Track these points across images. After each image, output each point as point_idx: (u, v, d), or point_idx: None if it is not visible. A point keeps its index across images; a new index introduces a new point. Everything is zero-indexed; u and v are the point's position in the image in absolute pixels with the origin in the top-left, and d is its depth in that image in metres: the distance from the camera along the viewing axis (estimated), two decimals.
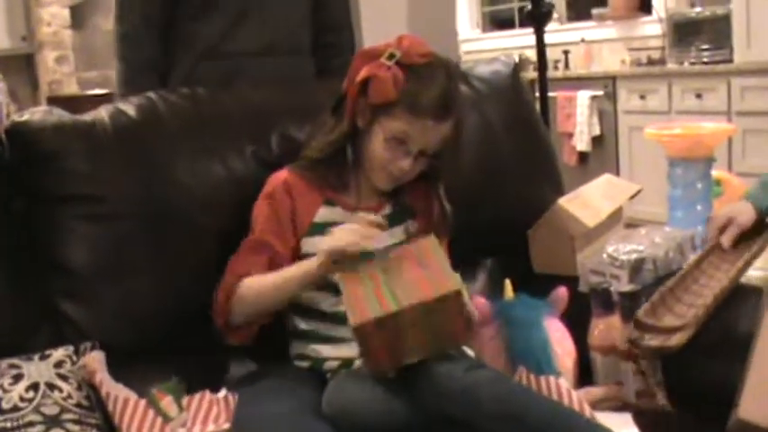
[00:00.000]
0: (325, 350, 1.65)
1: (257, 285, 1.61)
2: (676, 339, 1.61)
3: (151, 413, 1.42)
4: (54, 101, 5.71)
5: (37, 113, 1.69)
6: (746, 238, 1.93)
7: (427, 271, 1.43)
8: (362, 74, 1.63)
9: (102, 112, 1.75)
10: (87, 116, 1.73)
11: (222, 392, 1.58)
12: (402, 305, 1.37)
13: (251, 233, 1.67)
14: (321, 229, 1.65)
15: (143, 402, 1.44)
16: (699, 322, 1.64)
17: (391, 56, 1.62)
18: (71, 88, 7.03)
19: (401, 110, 1.60)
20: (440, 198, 1.75)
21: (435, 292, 1.38)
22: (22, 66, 7.20)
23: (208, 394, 1.53)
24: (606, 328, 1.74)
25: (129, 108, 1.77)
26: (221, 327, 1.64)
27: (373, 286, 1.42)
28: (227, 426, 1.38)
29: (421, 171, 1.69)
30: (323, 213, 1.69)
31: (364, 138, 1.67)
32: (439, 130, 1.63)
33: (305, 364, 1.67)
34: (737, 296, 1.77)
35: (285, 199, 1.67)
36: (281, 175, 1.70)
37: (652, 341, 1.62)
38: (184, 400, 1.48)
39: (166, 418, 1.44)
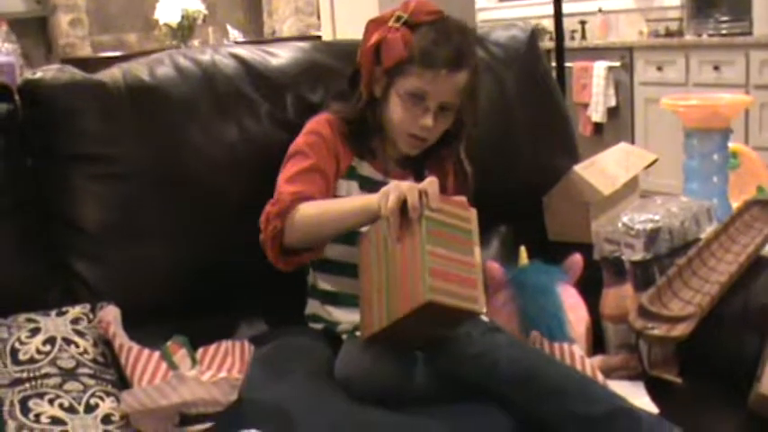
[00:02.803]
0: (336, 313, 1.66)
1: (314, 210, 1.54)
2: (680, 330, 1.60)
3: (164, 366, 1.42)
4: (67, 63, 5.70)
5: (50, 71, 1.68)
6: (760, 218, 1.92)
7: (411, 272, 1.34)
8: (372, 40, 1.65)
9: (116, 72, 1.74)
10: (100, 75, 1.72)
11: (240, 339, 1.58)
12: (391, 320, 1.36)
13: (300, 162, 1.62)
14: (357, 176, 1.68)
15: (156, 355, 1.44)
16: (704, 312, 1.63)
17: (398, 18, 1.64)
18: (84, 51, 7.01)
19: (414, 66, 1.61)
20: (460, 161, 1.75)
21: (411, 304, 1.33)
22: (36, 28, 7.17)
23: (224, 343, 1.53)
24: (618, 297, 1.74)
25: (142, 68, 1.76)
26: (271, 249, 1.56)
27: (378, 290, 1.40)
28: (239, 376, 1.38)
29: (446, 131, 1.69)
30: (359, 164, 1.70)
31: (383, 105, 1.67)
32: (454, 81, 1.62)
33: (318, 326, 1.67)
34: (755, 268, 1.76)
35: (330, 135, 1.67)
36: (323, 116, 1.70)
37: (656, 330, 1.61)
38: (199, 352, 1.48)
39: None
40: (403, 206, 1.36)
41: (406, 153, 1.70)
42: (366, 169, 1.69)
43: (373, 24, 1.68)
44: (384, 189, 1.41)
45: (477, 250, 1.39)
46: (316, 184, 1.59)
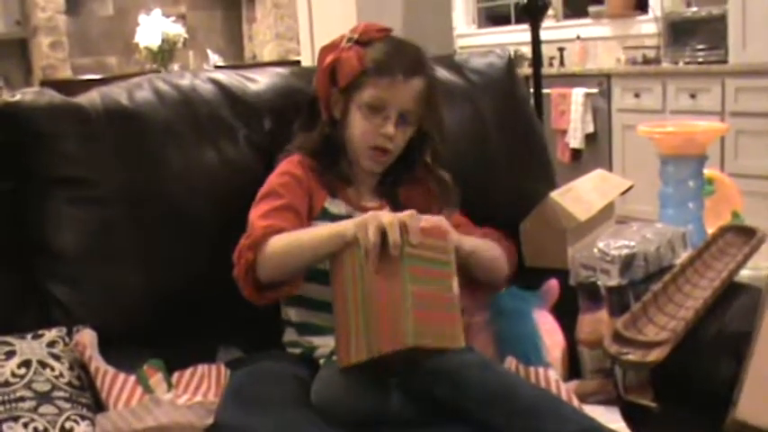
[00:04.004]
0: (316, 340, 1.65)
1: (286, 240, 1.52)
2: (655, 355, 1.60)
3: (139, 390, 1.42)
4: (47, 85, 5.69)
5: (28, 94, 1.68)
6: (734, 244, 1.93)
7: (393, 311, 1.33)
8: (326, 62, 1.68)
9: (94, 95, 1.74)
10: (79, 98, 1.72)
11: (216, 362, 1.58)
12: (371, 355, 1.36)
13: (273, 201, 1.60)
14: (330, 215, 1.66)
15: (132, 379, 1.44)
16: (678, 337, 1.64)
17: (349, 39, 1.68)
18: (65, 74, 7.00)
19: (370, 77, 1.64)
20: (434, 175, 1.75)
21: (393, 345, 1.33)
22: (16, 50, 7.17)
23: (200, 367, 1.52)
24: (593, 323, 1.74)
25: (120, 92, 1.76)
26: (245, 283, 1.52)
27: (354, 322, 1.39)
28: (215, 399, 1.37)
29: (411, 144, 1.70)
30: (331, 203, 1.69)
31: (343, 125, 1.69)
32: (411, 87, 1.65)
33: (296, 350, 1.67)
34: (729, 294, 1.77)
35: (304, 176, 1.66)
36: (295, 157, 1.70)
37: (630, 356, 1.61)
38: (175, 376, 1.48)
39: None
40: (382, 237, 1.35)
41: (372, 170, 1.71)
42: (339, 207, 1.68)
43: (326, 49, 1.72)
44: (362, 219, 1.39)
45: (455, 282, 1.39)
46: (289, 220, 1.58)
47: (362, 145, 1.67)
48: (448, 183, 1.76)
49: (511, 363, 1.60)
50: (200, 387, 1.48)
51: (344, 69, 1.65)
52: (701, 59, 5.09)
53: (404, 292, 1.32)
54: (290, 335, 1.70)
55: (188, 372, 1.52)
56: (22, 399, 1.37)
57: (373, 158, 1.68)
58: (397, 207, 1.69)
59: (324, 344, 1.62)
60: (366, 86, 1.64)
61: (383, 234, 1.35)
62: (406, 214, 1.38)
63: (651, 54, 5.64)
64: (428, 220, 1.44)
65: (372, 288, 1.37)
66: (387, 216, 1.37)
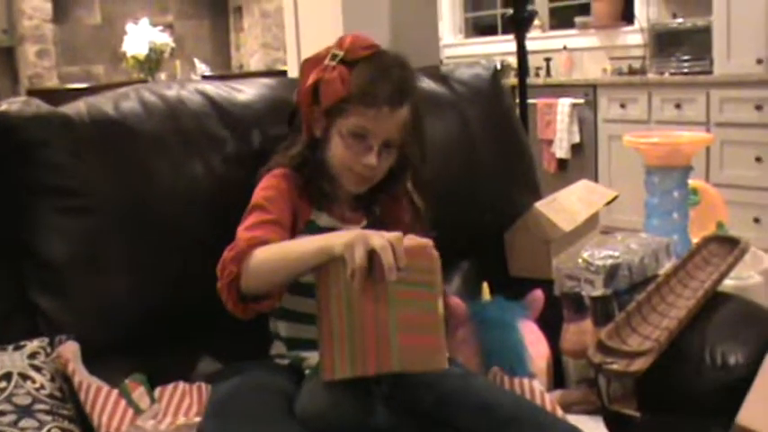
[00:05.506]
0: (305, 353, 1.64)
1: (270, 253, 1.47)
2: (638, 365, 1.61)
3: (123, 403, 1.41)
4: (34, 94, 5.67)
5: (15, 104, 1.67)
6: (718, 254, 1.95)
7: (378, 335, 1.34)
8: (310, 80, 1.62)
9: (81, 105, 1.73)
10: (66, 108, 1.71)
11: (197, 382, 1.58)
12: (355, 374, 1.37)
13: (260, 215, 1.57)
14: (317, 228, 1.63)
15: (115, 392, 1.43)
16: (662, 347, 1.65)
17: (334, 56, 1.61)
18: (52, 82, 6.99)
19: (354, 105, 1.57)
20: (409, 196, 1.72)
21: (378, 368, 1.34)
22: (3, 59, 7.16)
23: (181, 384, 1.52)
24: (578, 333, 1.75)
25: (107, 102, 1.75)
26: (228, 296, 1.48)
27: (339, 338, 1.38)
28: (197, 419, 1.37)
29: (392, 168, 1.66)
30: (318, 216, 1.66)
31: (324, 145, 1.64)
32: (396, 117, 1.59)
33: (284, 362, 1.66)
34: (713, 303, 1.79)
35: (287, 189, 1.62)
36: (279, 170, 1.65)
37: (614, 365, 1.62)
38: (157, 391, 1.47)
39: (138, 410, 1.43)
40: (370, 259, 1.33)
41: (353, 192, 1.67)
42: (325, 220, 1.66)
43: (309, 64, 1.65)
44: (349, 239, 1.34)
45: (440, 303, 1.38)
46: (275, 233, 1.54)
47: (344, 169, 1.62)
48: (421, 212, 1.72)
49: (495, 373, 1.60)
50: (182, 404, 1.48)
51: (327, 92, 1.59)
52: (686, 70, 5.12)
53: (389, 316, 1.33)
54: (278, 348, 1.69)
55: (170, 387, 1.52)
56: (2, 413, 1.36)
57: (355, 182, 1.64)
58: (374, 220, 1.70)
59: (313, 357, 1.61)
60: (350, 114, 1.58)
61: (371, 255, 1.32)
62: (393, 237, 1.34)
63: (637, 65, 5.66)
64: (413, 239, 1.38)
65: (358, 308, 1.37)
66: (375, 238, 1.33)
